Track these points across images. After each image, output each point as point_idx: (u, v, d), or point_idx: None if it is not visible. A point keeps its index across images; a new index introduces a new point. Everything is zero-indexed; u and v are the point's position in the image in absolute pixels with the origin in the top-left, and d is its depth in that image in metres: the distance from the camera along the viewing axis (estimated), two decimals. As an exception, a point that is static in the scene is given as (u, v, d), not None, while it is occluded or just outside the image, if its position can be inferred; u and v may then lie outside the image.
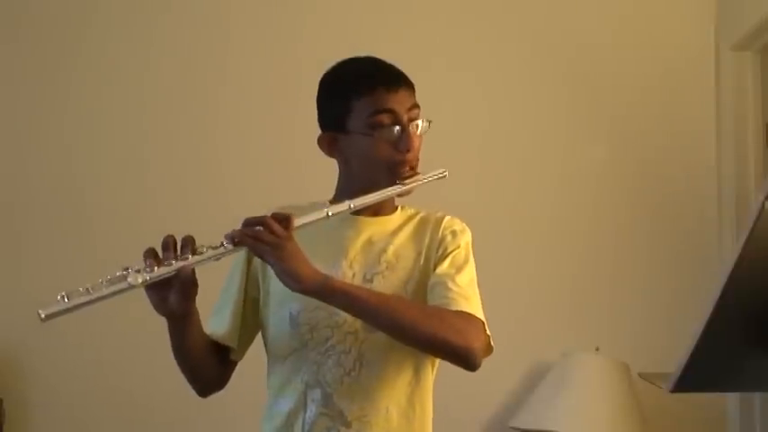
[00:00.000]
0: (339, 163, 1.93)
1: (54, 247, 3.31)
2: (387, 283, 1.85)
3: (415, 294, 1.85)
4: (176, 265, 1.67)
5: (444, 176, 1.92)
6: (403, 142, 1.84)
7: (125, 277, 1.65)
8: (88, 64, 3.40)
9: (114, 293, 1.65)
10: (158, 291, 1.69)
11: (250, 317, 1.92)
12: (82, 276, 1.72)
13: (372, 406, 1.83)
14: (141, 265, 1.67)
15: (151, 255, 1.68)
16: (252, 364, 1.96)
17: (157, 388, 3.07)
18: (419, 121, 1.87)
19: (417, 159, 1.88)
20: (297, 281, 1.70)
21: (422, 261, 1.88)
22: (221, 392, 1.95)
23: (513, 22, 3.47)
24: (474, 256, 1.91)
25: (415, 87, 1.90)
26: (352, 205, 1.82)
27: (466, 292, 1.83)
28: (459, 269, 1.86)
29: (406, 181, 1.86)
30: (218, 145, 3.38)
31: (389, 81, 1.86)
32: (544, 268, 3.38)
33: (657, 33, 3.49)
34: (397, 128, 1.84)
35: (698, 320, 1.35)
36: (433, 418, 1.92)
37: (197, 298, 1.75)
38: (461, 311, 1.79)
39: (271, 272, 1.75)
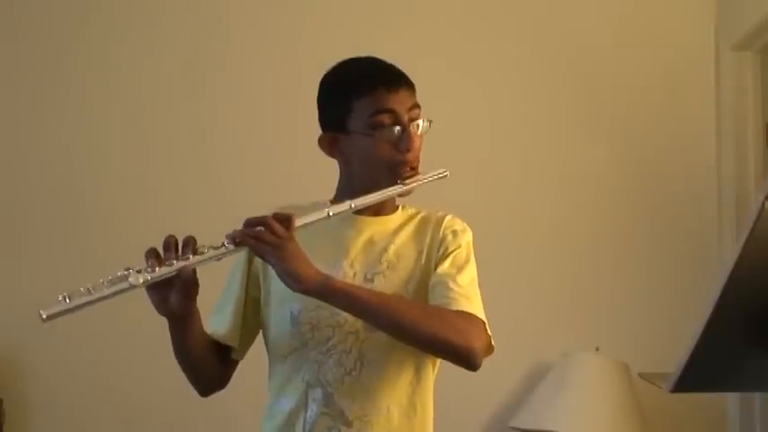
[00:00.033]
0: (340, 163, 1.93)
1: (54, 247, 3.31)
2: (388, 283, 1.85)
3: (416, 294, 1.85)
4: (177, 265, 1.67)
5: (445, 176, 1.92)
6: (403, 142, 1.84)
7: (126, 277, 1.65)
8: (88, 64, 3.40)
9: (115, 293, 1.65)
10: (159, 291, 1.70)
11: (251, 316, 1.92)
12: (82, 276, 1.72)
13: (373, 405, 1.83)
14: (142, 265, 1.67)
15: (152, 255, 1.68)
16: (252, 364, 1.96)
17: (158, 388, 3.07)
18: (420, 121, 1.87)
19: (418, 159, 1.88)
20: (298, 281, 1.70)
21: (423, 260, 1.88)
22: (222, 392, 1.95)
23: (513, 22, 3.47)
24: (474, 256, 1.91)
25: (416, 87, 1.90)
26: (352, 205, 1.82)
27: (467, 291, 1.83)
28: (460, 269, 1.86)
29: (407, 181, 1.86)
30: (218, 145, 3.38)
31: (390, 81, 1.86)
32: (544, 268, 3.38)
33: (657, 33, 3.49)
34: (398, 128, 1.84)
35: (698, 320, 1.35)
36: (433, 418, 1.92)
37: (198, 298, 1.75)
38: (462, 311, 1.79)
39: (272, 271, 1.76)
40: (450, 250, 1.88)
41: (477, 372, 1.79)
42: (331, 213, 1.79)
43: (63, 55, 3.39)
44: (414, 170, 1.86)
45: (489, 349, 1.83)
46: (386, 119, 1.83)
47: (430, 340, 1.77)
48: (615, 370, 3.13)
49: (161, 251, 1.69)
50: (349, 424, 1.82)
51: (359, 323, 1.81)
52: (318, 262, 1.75)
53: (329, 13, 3.43)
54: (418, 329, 1.75)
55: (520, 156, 3.42)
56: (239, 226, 1.73)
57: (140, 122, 3.39)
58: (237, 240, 1.70)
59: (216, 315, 1.92)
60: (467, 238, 1.91)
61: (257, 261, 1.86)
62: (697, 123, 3.44)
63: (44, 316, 1.61)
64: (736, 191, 3.29)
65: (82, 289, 1.63)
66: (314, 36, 3.37)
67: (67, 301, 1.62)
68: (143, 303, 1.72)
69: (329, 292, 1.72)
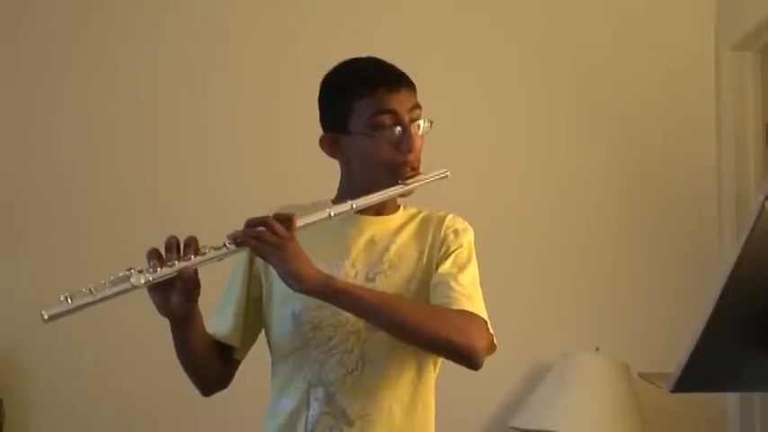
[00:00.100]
0: (341, 164, 1.93)
1: (54, 247, 3.31)
2: (389, 283, 1.85)
3: (418, 293, 1.86)
4: (179, 265, 1.67)
5: (446, 177, 1.92)
6: (404, 143, 1.84)
7: (128, 278, 1.65)
8: (88, 64, 3.40)
9: (117, 294, 1.65)
10: (161, 291, 1.70)
11: (252, 316, 1.92)
12: (82, 276, 1.72)
13: (375, 405, 1.83)
14: (143, 265, 1.67)
15: (154, 255, 1.68)
16: (254, 364, 1.96)
17: (158, 388, 3.08)
18: (420, 122, 1.87)
19: (419, 160, 1.88)
20: (299, 281, 1.70)
21: (424, 260, 1.88)
22: (223, 392, 1.95)
23: (514, 21, 3.47)
24: (475, 256, 1.92)
25: (417, 88, 1.90)
26: (354, 205, 1.82)
27: (468, 291, 1.83)
28: (461, 268, 1.86)
29: (408, 181, 1.86)
30: (218, 145, 3.38)
31: (391, 81, 1.86)
32: (544, 268, 3.38)
33: (657, 33, 3.49)
34: (399, 128, 1.84)
35: (698, 320, 1.36)
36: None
37: (199, 298, 1.75)
38: (464, 310, 1.79)
39: (273, 271, 1.76)
40: (451, 250, 1.88)
41: (478, 371, 1.79)
42: (332, 213, 1.79)
43: (63, 55, 3.39)
44: (415, 170, 1.87)
45: (491, 348, 1.83)
46: (387, 119, 1.84)
47: (432, 340, 1.77)
48: (615, 370, 3.13)
49: (162, 251, 1.69)
50: (351, 423, 1.82)
51: (360, 323, 1.81)
52: (320, 262, 1.75)
53: (329, 13, 3.43)
54: (420, 329, 1.75)
55: (520, 156, 3.43)
56: (240, 226, 1.73)
57: (140, 122, 3.39)
58: (239, 241, 1.70)
59: (217, 315, 1.92)
60: (468, 237, 1.91)
61: (258, 261, 1.86)
62: (697, 123, 3.44)
63: (46, 316, 1.62)
64: (736, 191, 3.30)
65: (83, 289, 1.63)
66: (314, 36, 3.37)
67: (69, 301, 1.62)
68: (143, 304, 1.72)
69: (330, 292, 1.72)
